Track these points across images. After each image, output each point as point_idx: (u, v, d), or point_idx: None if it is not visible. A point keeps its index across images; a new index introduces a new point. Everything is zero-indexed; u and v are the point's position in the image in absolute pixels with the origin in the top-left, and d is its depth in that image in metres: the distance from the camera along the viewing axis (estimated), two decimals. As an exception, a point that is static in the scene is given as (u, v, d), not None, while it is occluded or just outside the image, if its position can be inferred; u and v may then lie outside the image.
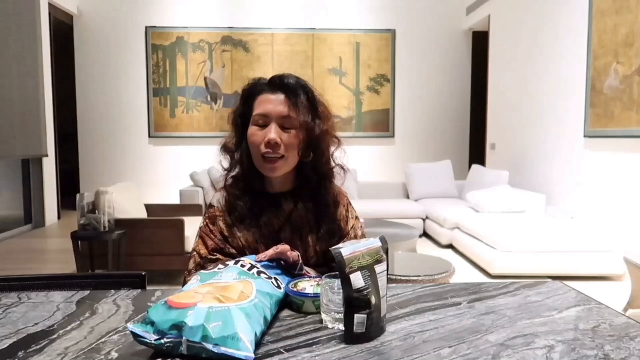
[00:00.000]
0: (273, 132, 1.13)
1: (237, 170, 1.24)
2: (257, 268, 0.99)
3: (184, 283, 1.20)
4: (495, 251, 3.81)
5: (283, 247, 1.07)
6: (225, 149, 1.24)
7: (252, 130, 1.17)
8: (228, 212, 1.23)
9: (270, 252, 1.06)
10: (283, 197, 1.23)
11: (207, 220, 1.25)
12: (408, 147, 7.34)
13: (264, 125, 1.15)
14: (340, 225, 1.27)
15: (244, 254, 1.18)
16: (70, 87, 6.98)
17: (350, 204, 1.34)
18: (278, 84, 1.17)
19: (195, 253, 1.23)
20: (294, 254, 1.09)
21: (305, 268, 1.13)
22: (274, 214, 1.22)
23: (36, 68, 5.58)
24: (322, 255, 1.24)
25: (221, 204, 1.25)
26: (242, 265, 0.98)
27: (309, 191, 1.24)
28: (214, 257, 1.21)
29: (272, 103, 1.15)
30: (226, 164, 1.25)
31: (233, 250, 1.21)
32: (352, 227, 1.30)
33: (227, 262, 1.00)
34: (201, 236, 1.24)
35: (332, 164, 1.25)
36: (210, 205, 1.27)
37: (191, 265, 1.22)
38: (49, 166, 6.02)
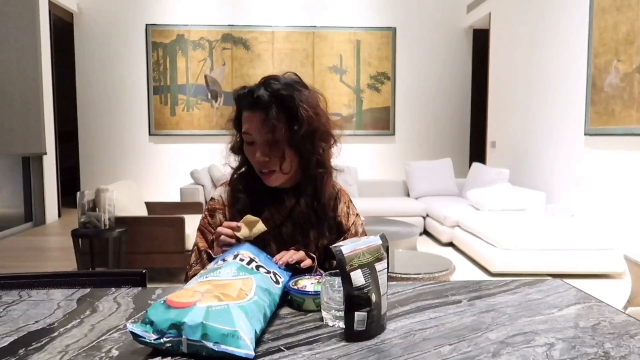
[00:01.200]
0: (259, 152, 1.16)
1: (244, 168, 1.28)
2: (256, 262, 0.99)
3: (186, 277, 1.21)
4: (495, 249, 3.81)
5: (300, 255, 1.12)
6: (233, 150, 1.27)
7: (245, 147, 1.20)
8: (231, 205, 1.25)
9: (291, 253, 1.11)
10: (285, 194, 1.25)
11: (206, 213, 1.28)
12: (408, 145, 7.33)
13: (251, 143, 1.17)
14: (341, 221, 1.30)
15: None
16: (70, 84, 6.98)
17: (351, 202, 1.36)
18: (252, 101, 1.14)
19: (195, 247, 1.25)
20: (307, 263, 1.13)
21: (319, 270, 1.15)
22: (276, 210, 1.24)
23: (36, 66, 5.58)
24: (323, 251, 1.26)
25: (222, 197, 1.28)
26: (241, 260, 0.97)
27: (311, 188, 1.26)
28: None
29: (252, 122, 1.15)
30: (235, 164, 1.28)
31: None
32: (352, 223, 1.32)
33: (226, 258, 1.00)
34: (200, 229, 1.27)
35: (328, 164, 1.24)
36: (212, 199, 1.30)
37: (192, 259, 1.24)
38: (49, 164, 6.03)
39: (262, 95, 1.13)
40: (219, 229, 1.12)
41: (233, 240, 1.09)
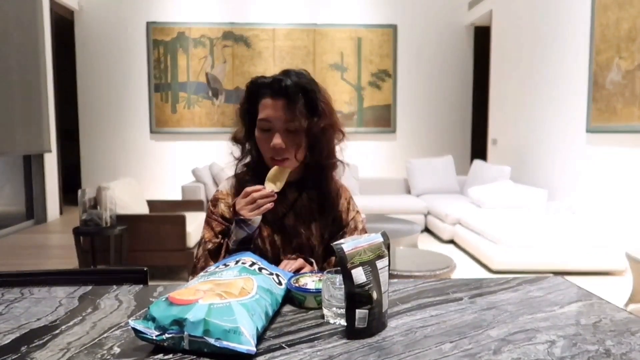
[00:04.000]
0: (277, 138, 1.18)
1: (248, 159, 1.31)
2: (259, 265, 0.99)
3: (194, 269, 1.23)
4: (496, 246, 3.81)
5: (299, 263, 1.19)
6: (235, 140, 1.30)
7: (259, 134, 1.22)
8: (234, 195, 1.28)
9: (290, 264, 1.18)
10: (288, 187, 1.26)
11: (209, 203, 1.31)
12: (409, 143, 7.33)
13: (268, 130, 1.20)
14: (341, 216, 1.32)
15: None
16: (71, 82, 6.98)
17: (352, 199, 1.38)
18: (277, 89, 1.19)
19: (202, 240, 1.27)
20: (307, 269, 1.19)
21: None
22: (279, 202, 1.25)
23: (38, 64, 5.58)
24: (325, 244, 1.28)
25: (226, 188, 1.31)
26: (243, 263, 0.98)
27: (314, 182, 1.29)
28: (219, 239, 1.24)
29: (274, 109, 1.19)
30: (237, 154, 1.31)
31: None
32: (352, 218, 1.34)
33: (228, 263, 1.01)
34: (206, 221, 1.29)
35: (335, 157, 1.29)
36: (217, 190, 1.33)
37: (200, 252, 1.26)
38: (50, 162, 6.03)
39: (290, 85, 1.17)
40: (248, 190, 1.15)
41: (271, 200, 1.15)
